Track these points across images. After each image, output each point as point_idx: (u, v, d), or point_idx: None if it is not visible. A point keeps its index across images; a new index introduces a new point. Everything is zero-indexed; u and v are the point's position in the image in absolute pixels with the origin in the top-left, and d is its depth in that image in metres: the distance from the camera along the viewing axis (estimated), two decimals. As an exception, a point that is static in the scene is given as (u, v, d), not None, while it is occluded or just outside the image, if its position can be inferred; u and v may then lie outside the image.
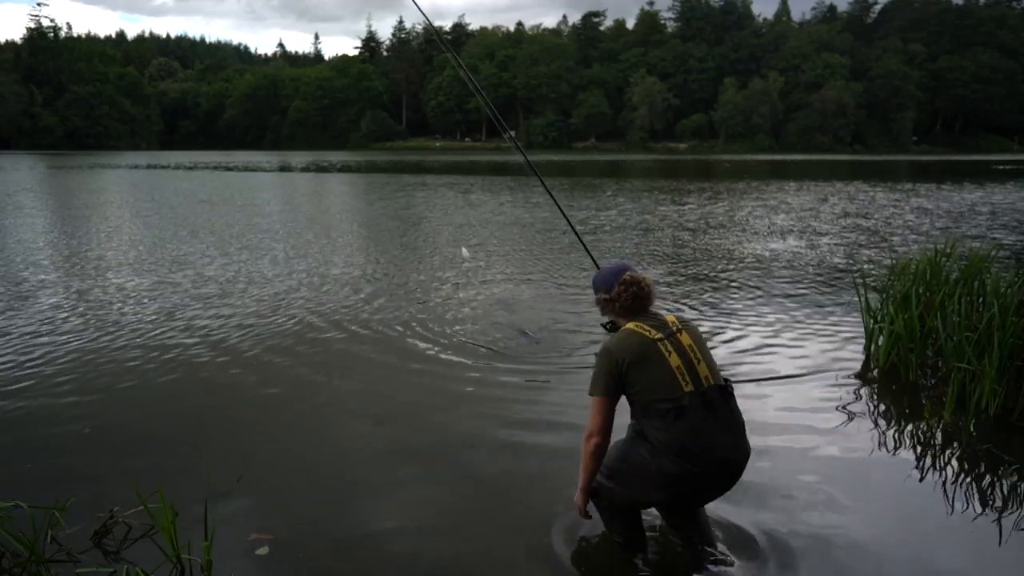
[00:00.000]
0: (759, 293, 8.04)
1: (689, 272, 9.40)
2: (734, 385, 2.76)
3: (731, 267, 9.76)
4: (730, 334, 6.25)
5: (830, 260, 10.40)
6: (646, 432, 2.61)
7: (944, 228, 14.13)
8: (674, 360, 2.59)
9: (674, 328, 2.70)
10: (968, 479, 3.65)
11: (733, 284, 8.56)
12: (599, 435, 2.68)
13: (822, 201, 20.78)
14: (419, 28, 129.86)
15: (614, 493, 2.78)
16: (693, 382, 2.57)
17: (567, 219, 4.22)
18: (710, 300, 7.66)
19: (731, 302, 7.56)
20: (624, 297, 2.79)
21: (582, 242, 4.12)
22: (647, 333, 2.66)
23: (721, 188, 26.39)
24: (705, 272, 9.39)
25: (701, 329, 2.93)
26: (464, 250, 11.03)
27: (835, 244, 12.05)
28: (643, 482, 2.65)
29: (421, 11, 4.12)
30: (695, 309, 7.21)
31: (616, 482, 2.75)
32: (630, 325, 2.73)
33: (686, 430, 2.51)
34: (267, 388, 4.95)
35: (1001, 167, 47.58)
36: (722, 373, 2.75)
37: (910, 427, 4.33)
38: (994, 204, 19.81)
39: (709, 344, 5.90)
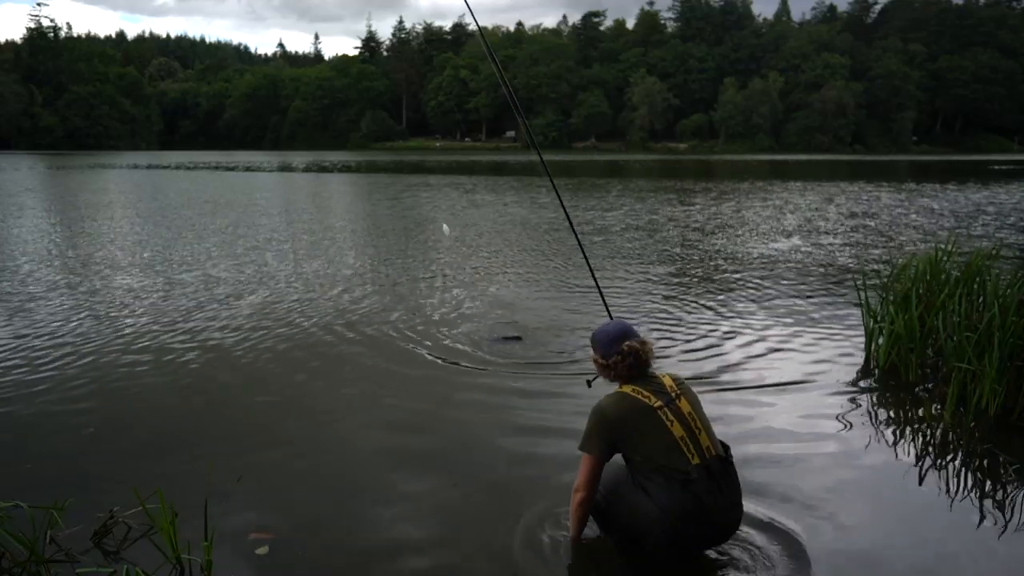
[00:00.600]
0: (761, 293, 8.03)
1: (693, 272, 9.40)
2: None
3: (734, 267, 9.75)
4: (731, 334, 6.24)
5: (834, 260, 10.40)
6: (647, 489, 2.65)
7: (951, 228, 14.12)
8: (677, 430, 2.61)
9: (673, 394, 2.70)
10: (968, 479, 3.65)
11: (735, 284, 8.56)
12: (585, 490, 2.74)
13: (827, 201, 20.77)
14: (419, 28, 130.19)
15: (612, 520, 2.85)
16: (698, 454, 2.60)
17: (583, 250, 4.17)
18: (712, 300, 7.65)
19: (733, 302, 7.56)
20: (620, 367, 2.77)
21: (597, 285, 4.02)
22: (646, 399, 2.66)
23: (726, 188, 26.40)
24: (709, 272, 9.38)
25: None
26: (445, 227, 11.05)
27: (840, 244, 12.05)
28: (640, 528, 2.71)
29: (470, 9, 4.06)
30: (698, 308, 7.21)
31: (615, 515, 2.81)
32: (626, 388, 2.73)
33: (689, 499, 2.56)
34: (270, 389, 4.95)
35: (997, 167, 47.55)
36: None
37: (910, 427, 4.33)
38: (1000, 204, 19.81)
39: (710, 342, 5.94)
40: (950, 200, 21.05)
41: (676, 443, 2.59)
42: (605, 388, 2.93)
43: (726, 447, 2.73)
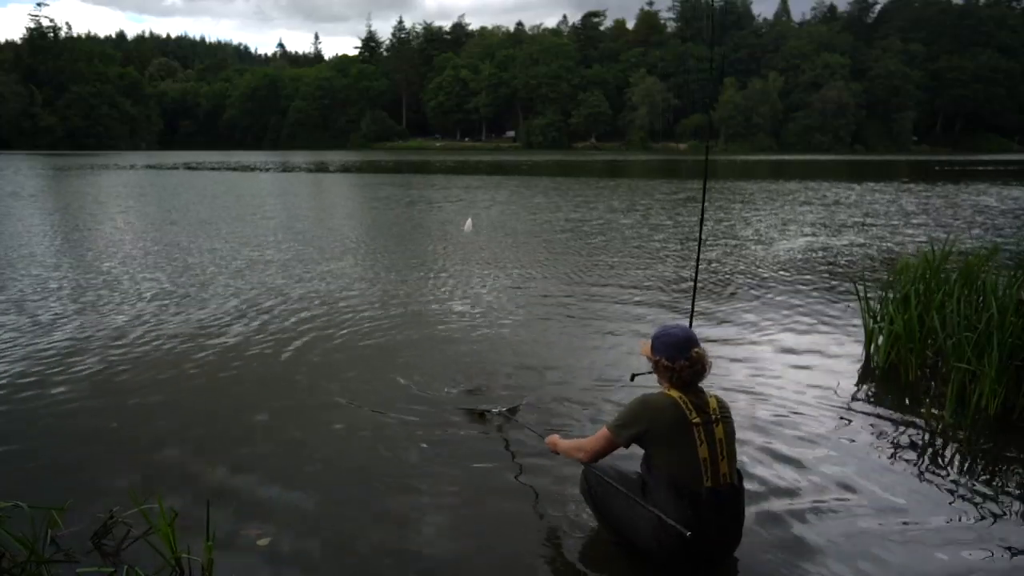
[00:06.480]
0: (761, 292, 8.03)
1: (691, 273, 9.39)
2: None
3: (733, 266, 9.75)
4: (730, 334, 6.25)
5: (834, 260, 10.39)
6: (654, 496, 2.70)
7: (951, 227, 14.12)
8: (703, 451, 2.66)
9: (714, 416, 2.74)
10: (968, 479, 3.65)
11: (734, 284, 8.56)
12: (588, 459, 2.87)
13: (828, 201, 20.76)
14: (419, 28, 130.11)
15: (611, 515, 2.91)
16: (712, 478, 2.65)
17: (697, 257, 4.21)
18: (711, 299, 7.65)
19: (732, 302, 7.56)
20: (686, 373, 2.80)
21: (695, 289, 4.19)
22: (688, 412, 2.70)
23: (727, 189, 26.35)
24: (708, 272, 9.37)
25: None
26: (469, 221, 10.90)
27: (841, 244, 12.04)
28: (639, 530, 2.76)
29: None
30: (696, 307, 7.19)
31: (617, 510, 2.86)
32: (675, 394, 2.77)
33: (691, 517, 2.60)
34: (272, 390, 4.96)
35: (981, 168, 47.44)
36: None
37: (910, 427, 4.33)
38: (998, 203, 19.80)
39: (708, 341, 5.93)
40: (950, 199, 21.05)
41: (697, 462, 2.64)
42: (645, 381, 3.02)
43: (740, 476, 2.79)
